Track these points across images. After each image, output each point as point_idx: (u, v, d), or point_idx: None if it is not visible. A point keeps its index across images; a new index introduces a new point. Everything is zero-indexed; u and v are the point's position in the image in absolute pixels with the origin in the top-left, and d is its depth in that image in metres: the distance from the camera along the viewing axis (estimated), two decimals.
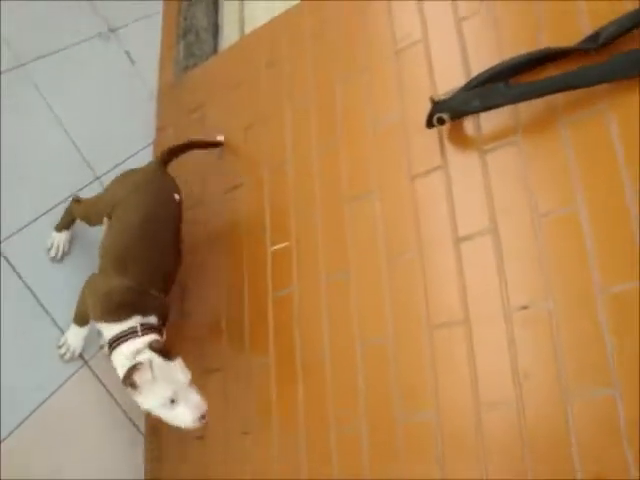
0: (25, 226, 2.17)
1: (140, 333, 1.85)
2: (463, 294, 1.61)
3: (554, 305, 1.46)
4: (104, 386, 2.21)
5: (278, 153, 2.20)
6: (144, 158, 2.64)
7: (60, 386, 2.09)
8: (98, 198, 2.19)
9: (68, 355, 2.13)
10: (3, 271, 2.06)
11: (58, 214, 2.26)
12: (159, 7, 3.13)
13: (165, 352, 1.82)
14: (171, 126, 2.73)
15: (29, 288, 2.11)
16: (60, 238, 2.23)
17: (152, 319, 1.92)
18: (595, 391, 1.36)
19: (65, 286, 2.21)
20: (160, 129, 2.77)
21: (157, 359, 1.79)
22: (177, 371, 1.80)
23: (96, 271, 2.03)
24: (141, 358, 1.77)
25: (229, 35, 3.01)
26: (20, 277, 2.09)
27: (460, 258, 1.64)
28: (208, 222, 2.29)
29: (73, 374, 2.14)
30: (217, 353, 2.16)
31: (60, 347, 2.13)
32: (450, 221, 1.69)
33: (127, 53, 2.81)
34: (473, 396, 1.53)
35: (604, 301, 1.39)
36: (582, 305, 1.42)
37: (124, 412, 2.25)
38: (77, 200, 2.24)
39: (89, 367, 2.19)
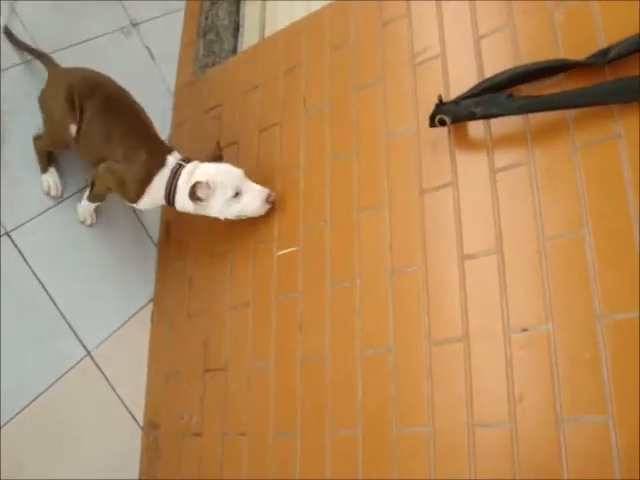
0: (37, 215, 2.20)
1: (185, 164, 2.11)
2: (464, 312, 1.62)
3: (554, 329, 1.46)
4: (105, 378, 2.24)
5: (291, 158, 2.21)
6: None
7: (62, 376, 2.12)
8: (48, 124, 2.22)
9: (88, 221, 2.35)
10: (10, 257, 2.09)
11: (71, 204, 2.31)
12: (181, 4, 3.14)
13: (212, 158, 2.17)
14: (187, 122, 2.74)
15: (34, 272, 2.13)
16: (50, 177, 2.28)
17: (177, 153, 2.17)
18: (589, 417, 1.37)
19: (71, 274, 2.25)
20: (176, 125, 2.79)
21: (207, 166, 2.11)
22: (230, 170, 2.11)
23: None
24: (196, 177, 2.06)
25: (249, 35, 3.02)
26: (27, 264, 2.12)
27: (464, 276, 1.65)
28: (217, 221, 2.30)
29: (75, 364, 2.16)
30: (219, 353, 2.18)
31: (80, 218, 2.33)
32: (457, 238, 1.69)
33: (147, 48, 2.83)
34: (468, 414, 1.53)
35: (604, 328, 1.39)
36: (582, 331, 1.42)
37: (124, 404, 2.28)
38: (38, 137, 2.28)
39: (91, 357, 2.21)
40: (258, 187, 2.10)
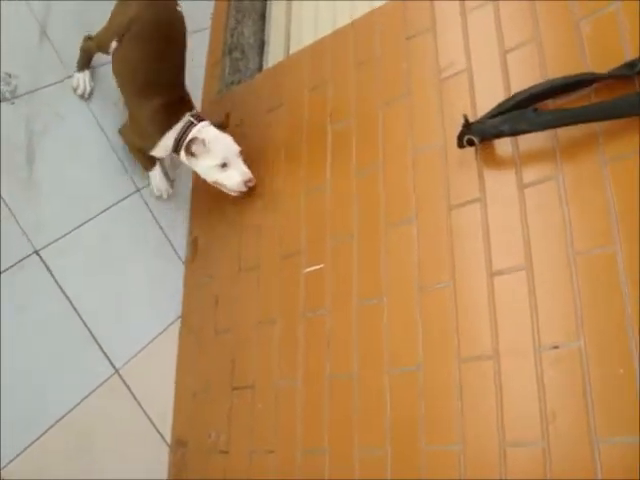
0: (67, 233, 2.22)
1: (196, 122, 2.30)
2: (494, 329, 1.59)
3: (585, 345, 1.43)
4: (133, 396, 2.24)
5: (317, 175, 2.21)
6: (185, 169, 2.69)
7: (90, 393, 2.13)
8: (108, 26, 2.33)
9: (165, 194, 2.60)
10: (39, 275, 2.11)
11: (100, 222, 2.34)
12: (207, 23, 3.19)
13: (219, 125, 2.36)
14: None
15: (62, 291, 2.15)
16: (83, 77, 2.42)
17: (195, 110, 2.37)
18: (624, 437, 1.33)
19: (99, 291, 2.26)
20: None
21: (212, 130, 2.30)
22: (228, 142, 2.31)
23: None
24: (196, 133, 2.27)
25: (275, 53, 3.04)
26: (56, 282, 2.14)
27: (493, 292, 1.63)
28: (245, 238, 2.31)
29: (103, 382, 2.17)
30: (247, 370, 2.17)
31: (152, 190, 2.58)
32: (485, 254, 1.68)
33: None
34: (499, 433, 1.51)
35: (637, 343, 1.36)
36: (615, 348, 1.39)
37: (151, 422, 2.28)
38: (89, 37, 2.40)
39: (119, 375, 2.22)
40: (244, 169, 2.31)
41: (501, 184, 1.72)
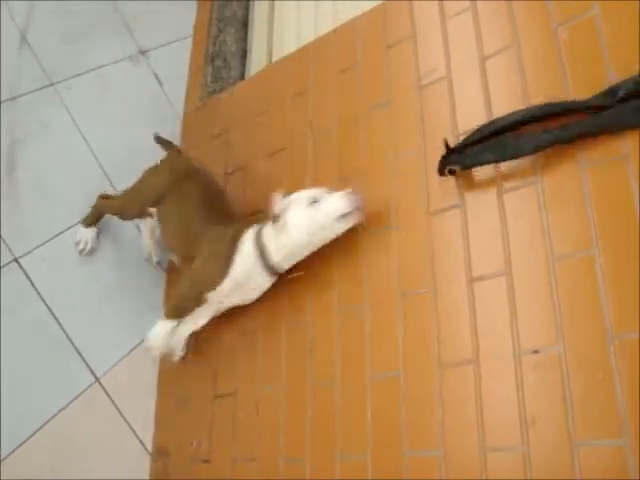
0: (47, 241, 2.21)
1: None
2: (474, 334, 1.60)
3: (565, 350, 1.44)
4: (114, 404, 2.22)
5: (299, 183, 2.19)
6: None
7: (70, 402, 2.11)
8: (137, 192, 2.26)
9: (180, 348, 2.21)
10: (19, 283, 2.10)
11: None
12: (189, 32, 3.18)
13: None
14: (195, 148, 2.75)
15: (42, 299, 2.14)
16: (88, 233, 2.31)
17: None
18: (604, 441, 1.33)
19: (80, 300, 2.26)
20: (185, 151, 2.79)
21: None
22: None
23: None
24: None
25: (257, 61, 3.05)
26: (36, 290, 2.12)
27: (473, 298, 1.63)
28: None
29: (83, 391, 2.16)
30: (229, 379, 2.16)
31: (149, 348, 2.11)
32: (465, 260, 1.68)
33: (156, 75, 2.86)
34: (479, 438, 1.51)
35: (616, 348, 1.37)
36: (594, 352, 1.40)
37: (133, 431, 2.26)
38: (105, 197, 2.33)
39: (100, 384, 2.20)
40: (339, 193, 1.86)
41: (480, 190, 1.73)
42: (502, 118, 1.68)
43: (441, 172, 1.76)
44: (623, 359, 1.35)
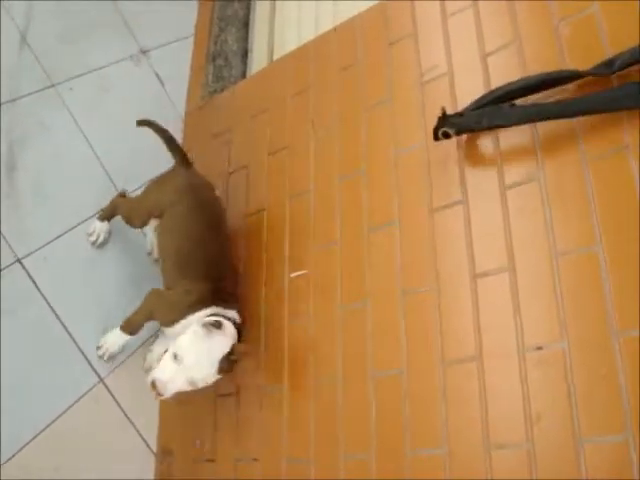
0: (50, 242, 2.20)
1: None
2: (477, 331, 1.59)
3: (569, 347, 1.43)
4: (118, 404, 2.22)
5: (301, 181, 2.21)
6: None
7: (75, 402, 2.11)
8: (140, 202, 2.30)
9: (106, 355, 2.21)
10: (22, 284, 2.09)
11: (83, 231, 2.32)
12: (190, 31, 3.18)
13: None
14: (197, 147, 2.75)
15: (45, 299, 2.13)
16: (101, 227, 2.36)
17: (230, 313, 1.98)
18: (608, 437, 1.33)
19: (82, 300, 2.25)
20: (186, 150, 2.78)
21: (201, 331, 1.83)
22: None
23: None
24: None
25: (258, 60, 3.04)
26: (39, 290, 2.12)
27: (476, 294, 1.63)
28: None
29: (87, 391, 2.15)
30: (231, 377, 2.15)
31: (99, 348, 2.21)
32: (468, 256, 1.68)
33: (157, 75, 2.86)
34: (483, 435, 1.50)
35: (621, 345, 1.36)
36: (598, 348, 1.39)
37: (137, 431, 2.26)
38: (122, 195, 2.39)
39: (104, 384, 2.20)
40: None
41: (483, 186, 1.72)
42: (501, 87, 1.68)
43: (435, 136, 1.75)
44: (627, 355, 1.35)
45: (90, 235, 2.34)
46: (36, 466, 1.97)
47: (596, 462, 1.34)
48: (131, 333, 2.17)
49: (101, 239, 2.35)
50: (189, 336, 1.83)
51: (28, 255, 2.11)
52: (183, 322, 1.96)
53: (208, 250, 2.10)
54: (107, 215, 2.36)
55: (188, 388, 1.86)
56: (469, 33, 1.90)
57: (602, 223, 1.47)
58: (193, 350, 1.82)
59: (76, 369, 2.15)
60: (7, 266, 2.05)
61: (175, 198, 2.15)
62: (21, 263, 2.08)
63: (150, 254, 2.50)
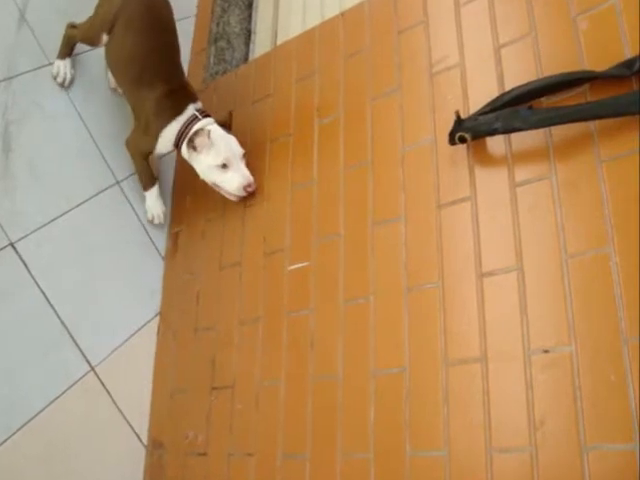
0: (42, 226, 2.16)
1: (201, 117, 2.26)
2: (483, 331, 1.56)
3: (577, 350, 1.40)
4: (109, 394, 2.19)
5: (304, 170, 2.17)
6: (169, 161, 2.63)
7: (65, 391, 2.07)
8: (93, 19, 2.32)
9: (156, 220, 2.52)
10: (14, 268, 2.05)
11: (78, 215, 2.27)
12: (192, 11, 3.14)
13: (225, 126, 2.29)
14: None
15: (37, 284, 2.09)
16: (64, 64, 2.38)
17: (200, 104, 2.33)
18: (614, 444, 1.30)
19: (75, 287, 2.21)
20: None
21: (217, 129, 2.23)
22: (232, 142, 2.23)
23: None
24: (202, 126, 2.21)
25: (261, 43, 3.00)
26: (31, 275, 2.08)
27: (482, 294, 1.60)
28: (227, 233, 2.26)
29: (78, 380, 2.12)
30: (227, 370, 2.13)
31: (150, 220, 2.52)
32: (475, 254, 1.64)
33: None
34: (486, 438, 1.48)
35: (630, 350, 1.33)
36: (606, 353, 1.36)
37: (128, 422, 2.23)
38: (73, 26, 2.38)
39: (95, 373, 2.16)
40: (246, 172, 2.21)
41: (493, 183, 1.68)
42: (518, 87, 1.65)
43: (451, 140, 1.72)
44: (637, 362, 1.32)
45: (56, 77, 2.35)
46: (23, 456, 1.93)
47: (600, 470, 1.31)
48: (152, 185, 2.46)
49: (68, 76, 2.37)
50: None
51: (21, 239, 2.07)
52: (166, 132, 2.25)
53: (160, 52, 2.27)
54: (66, 50, 2.37)
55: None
56: (483, 23, 1.85)
57: (614, 225, 1.44)
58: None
59: (67, 357, 2.11)
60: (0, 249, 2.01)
61: (123, 3, 2.21)
62: (14, 247, 2.04)
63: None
